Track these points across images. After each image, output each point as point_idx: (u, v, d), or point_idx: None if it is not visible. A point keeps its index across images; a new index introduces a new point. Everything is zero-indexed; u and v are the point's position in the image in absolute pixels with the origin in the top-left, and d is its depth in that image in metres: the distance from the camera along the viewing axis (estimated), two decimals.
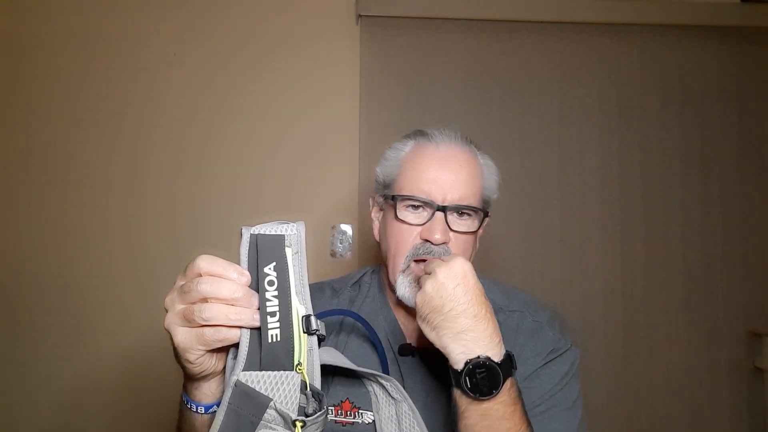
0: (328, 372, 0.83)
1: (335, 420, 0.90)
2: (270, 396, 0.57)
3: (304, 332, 0.59)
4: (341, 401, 0.91)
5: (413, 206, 0.94)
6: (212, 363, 0.63)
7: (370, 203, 1.07)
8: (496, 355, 0.73)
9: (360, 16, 2.03)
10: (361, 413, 0.90)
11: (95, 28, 2.03)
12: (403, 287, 0.93)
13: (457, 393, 0.74)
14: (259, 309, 0.58)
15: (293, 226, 0.61)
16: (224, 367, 0.64)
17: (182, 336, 0.59)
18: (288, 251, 0.60)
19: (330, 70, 2.08)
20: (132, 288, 1.97)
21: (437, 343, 0.75)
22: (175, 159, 2.03)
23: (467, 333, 0.73)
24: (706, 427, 2.03)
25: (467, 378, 0.71)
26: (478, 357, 0.72)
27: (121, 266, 1.98)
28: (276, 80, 2.06)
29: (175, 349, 0.61)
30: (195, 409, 0.69)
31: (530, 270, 2.05)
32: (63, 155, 2.00)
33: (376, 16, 2.04)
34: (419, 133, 1.00)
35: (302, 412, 0.59)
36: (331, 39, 2.08)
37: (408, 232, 0.93)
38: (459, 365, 0.72)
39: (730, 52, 2.15)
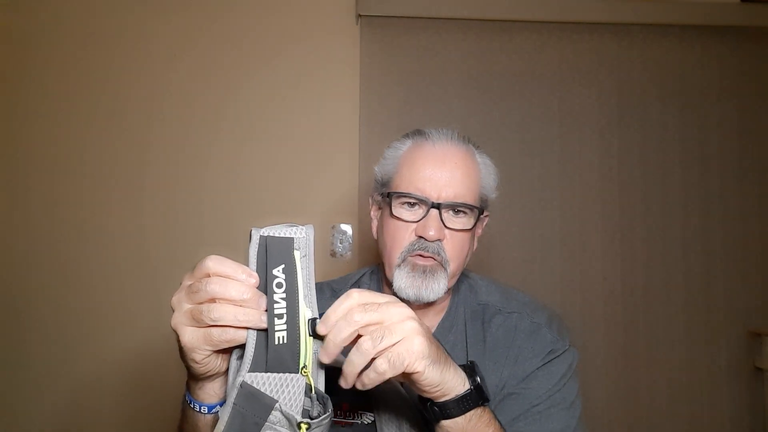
0: (328, 373, 0.83)
1: (334, 421, 0.90)
2: (275, 398, 0.58)
3: (310, 335, 0.59)
4: (341, 402, 0.91)
5: (409, 203, 0.95)
6: (217, 363, 0.63)
7: (370, 202, 1.08)
8: None
9: (360, 16, 2.03)
10: (361, 414, 0.90)
11: (95, 28, 2.03)
12: (400, 279, 0.93)
13: (468, 415, 0.68)
14: (266, 311, 0.58)
15: (302, 229, 0.61)
16: (228, 368, 0.64)
17: (189, 336, 0.59)
18: (296, 254, 0.60)
19: (330, 70, 2.08)
20: (133, 289, 1.97)
21: (448, 380, 0.65)
22: (175, 159, 2.03)
23: (446, 353, 0.68)
24: (706, 427, 2.03)
25: (480, 385, 0.68)
26: (469, 362, 0.71)
27: (123, 267, 1.98)
28: (276, 80, 2.06)
29: (181, 349, 0.61)
30: (198, 409, 0.69)
31: (530, 270, 2.05)
32: (63, 155, 2.00)
33: (376, 16, 2.04)
34: (417, 133, 1.01)
35: (306, 414, 0.59)
36: (331, 39, 2.08)
37: (403, 228, 0.94)
38: (466, 383, 0.67)
39: (730, 52, 2.14)
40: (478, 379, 0.68)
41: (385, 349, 0.58)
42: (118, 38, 2.04)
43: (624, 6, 2.09)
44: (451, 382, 0.65)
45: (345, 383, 0.60)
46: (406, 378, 0.63)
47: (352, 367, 0.59)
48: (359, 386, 0.60)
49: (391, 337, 0.58)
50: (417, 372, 0.60)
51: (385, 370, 0.58)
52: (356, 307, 0.59)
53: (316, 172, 2.05)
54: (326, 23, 2.09)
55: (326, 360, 0.58)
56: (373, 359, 0.59)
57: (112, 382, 1.95)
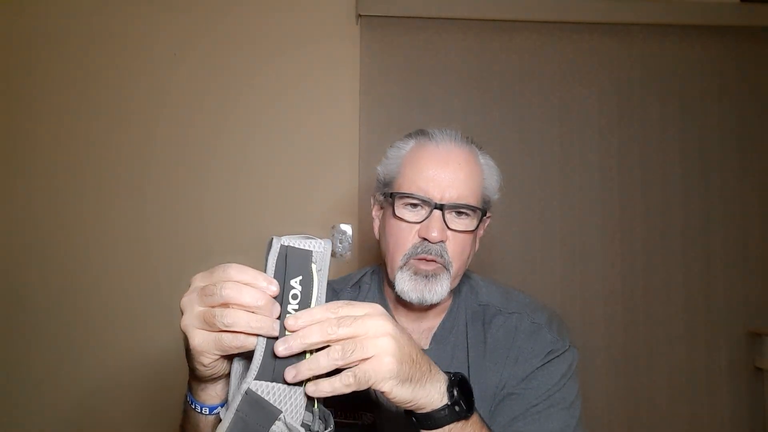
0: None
1: (335, 421, 0.90)
2: (279, 408, 0.57)
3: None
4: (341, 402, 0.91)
5: (411, 204, 0.94)
6: (223, 367, 0.63)
7: (371, 201, 1.08)
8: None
9: (360, 16, 2.03)
10: (361, 414, 0.90)
11: (95, 29, 2.03)
12: (403, 282, 0.93)
13: (446, 428, 0.67)
14: (278, 319, 0.58)
15: (321, 243, 0.61)
16: (230, 370, 0.64)
17: (200, 339, 0.59)
18: (313, 267, 0.60)
19: (330, 71, 2.08)
20: (136, 290, 1.97)
21: (421, 397, 0.64)
22: (177, 160, 2.03)
23: (429, 366, 0.67)
24: (706, 427, 2.03)
25: (460, 400, 0.67)
26: (451, 376, 0.69)
27: (125, 269, 1.98)
28: (276, 80, 2.06)
29: (188, 350, 0.61)
30: (200, 410, 0.69)
31: (530, 270, 2.05)
32: (65, 157, 2.00)
33: (376, 16, 2.04)
34: (420, 133, 1.00)
35: (307, 429, 0.59)
36: (331, 39, 2.08)
37: (406, 229, 0.94)
38: (444, 398, 0.66)
39: (730, 52, 2.14)
40: (455, 393, 0.67)
41: (354, 362, 0.58)
42: (118, 40, 2.04)
43: (624, 6, 2.09)
44: (424, 399, 0.64)
45: (292, 376, 0.57)
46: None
47: (314, 365, 0.57)
48: (310, 390, 0.59)
49: (361, 352, 0.58)
50: (383, 391, 0.60)
51: (350, 383, 0.58)
52: (335, 319, 0.58)
53: (317, 171, 2.05)
54: (326, 23, 2.08)
55: (280, 350, 0.57)
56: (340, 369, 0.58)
57: (114, 383, 1.94)
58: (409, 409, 0.65)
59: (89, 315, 1.96)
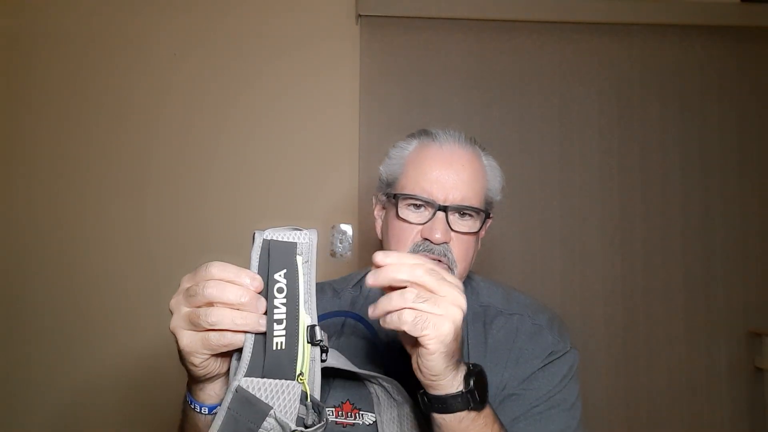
0: (329, 373, 0.82)
1: (336, 421, 0.90)
2: (270, 404, 0.57)
3: (308, 342, 0.59)
4: (342, 402, 0.90)
5: (415, 205, 0.94)
6: (217, 366, 0.63)
7: (373, 201, 1.07)
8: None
9: (360, 16, 2.03)
10: (362, 414, 0.90)
11: (95, 29, 2.03)
12: None
13: (459, 416, 0.69)
14: (265, 314, 0.58)
15: (306, 233, 0.60)
16: (228, 369, 0.64)
17: (187, 339, 0.59)
18: (299, 259, 0.59)
19: (330, 71, 2.08)
20: (135, 290, 1.97)
21: (445, 377, 0.66)
22: (177, 160, 2.03)
23: (460, 356, 0.69)
24: (706, 427, 2.03)
25: (475, 391, 0.68)
26: (471, 365, 0.70)
27: (125, 268, 1.98)
28: (276, 81, 2.06)
29: (180, 352, 0.61)
30: (198, 410, 0.69)
31: (530, 270, 2.05)
32: (65, 157, 2.00)
33: (376, 16, 2.04)
34: (423, 133, 0.99)
35: (301, 422, 0.59)
36: (331, 39, 2.08)
37: (409, 230, 0.93)
38: (460, 386, 0.68)
39: (730, 52, 2.15)
40: (472, 383, 0.68)
41: (422, 310, 0.61)
42: (119, 40, 2.04)
43: (624, 6, 2.09)
44: (446, 381, 0.66)
45: (372, 312, 0.63)
46: (414, 347, 0.64)
47: (387, 303, 0.62)
48: (382, 322, 0.63)
49: (432, 307, 0.61)
50: (427, 349, 0.62)
51: (406, 322, 0.61)
52: (425, 268, 0.62)
53: (317, 172, 2.05)
54: (326, 23, 2.09)
55: (370, 281, 0.62)
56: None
57: (113, 383, 1.94)
58: (426, 385, 0.67)
59: (89, 315, 1.96)
